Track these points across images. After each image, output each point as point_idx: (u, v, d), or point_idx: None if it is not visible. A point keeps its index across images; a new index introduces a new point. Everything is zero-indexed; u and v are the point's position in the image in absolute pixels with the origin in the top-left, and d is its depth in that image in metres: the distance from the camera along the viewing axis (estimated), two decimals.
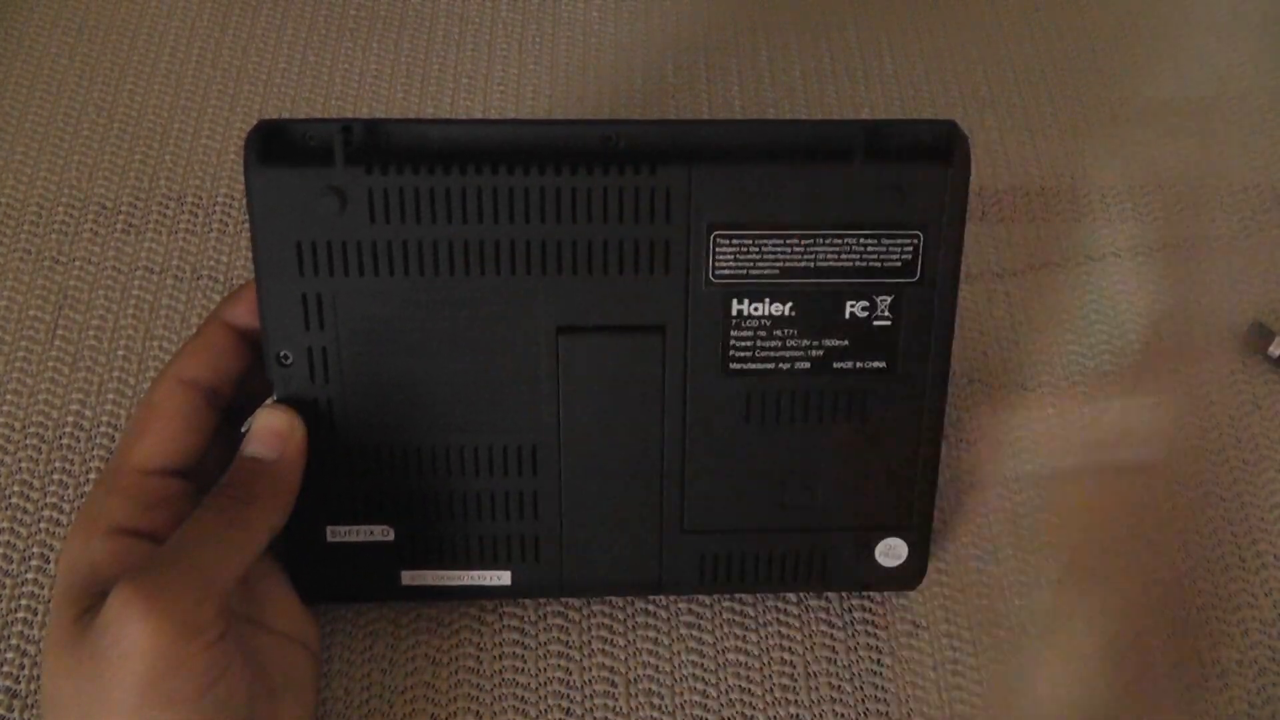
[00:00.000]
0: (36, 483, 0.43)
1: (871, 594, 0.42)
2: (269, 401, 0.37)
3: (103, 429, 0.45)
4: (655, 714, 0.39)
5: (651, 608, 0.41)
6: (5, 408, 0.45)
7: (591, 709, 0.39)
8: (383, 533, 0.39)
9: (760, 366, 0.37)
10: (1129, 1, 0.61)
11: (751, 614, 0.41)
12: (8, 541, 0.42)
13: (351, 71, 0.56)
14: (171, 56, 0.57)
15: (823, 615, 0.41)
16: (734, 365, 0.37)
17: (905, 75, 0.57)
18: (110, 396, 0.45)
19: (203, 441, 0.36)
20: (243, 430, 0.37)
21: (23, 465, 0.44)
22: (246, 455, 0.36)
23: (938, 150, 0.36)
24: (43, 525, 0.42)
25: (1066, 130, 0.55)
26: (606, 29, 0.59)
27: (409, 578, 0.39)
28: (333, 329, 0.36)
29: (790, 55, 0.58)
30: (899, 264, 0.36)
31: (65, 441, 0.44)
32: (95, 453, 0.44)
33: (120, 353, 0.47)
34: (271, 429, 0.36)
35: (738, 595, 0.41)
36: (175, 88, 0.55)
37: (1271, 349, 0.47)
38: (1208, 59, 0.58)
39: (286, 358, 0.36)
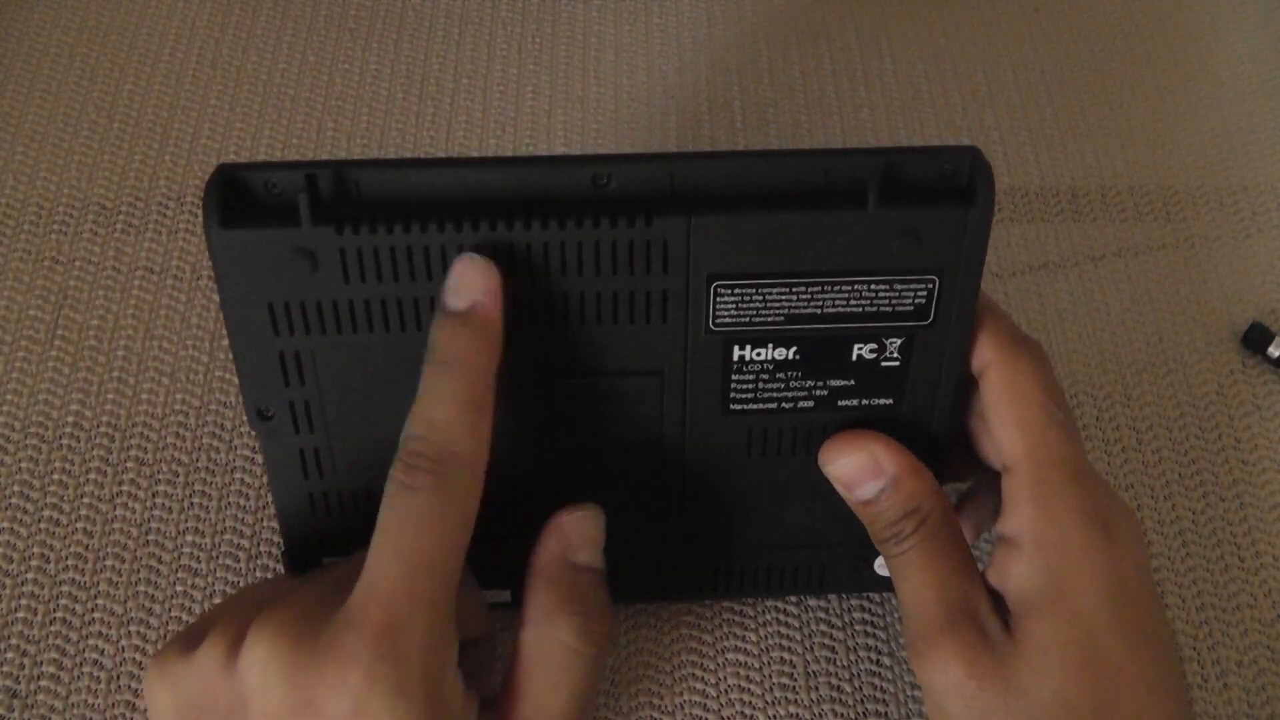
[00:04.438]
0: (36, 483, 0.43)
1: (871, 594, 0.42)
2: None
3: (102, 429, 0.45)
4: (654, 714, 0.39)
5: (651, 608, 0.41)
6: (5, 408, 0.45)
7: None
8: None
9: (762, 407, 0.36)
10: (1129, 1, 0.61)
11: (751, 614, 0.41)
12: (8, 541, 0.42)
13: (351, 71, 0.56)
14: (171, 56, 0.57)
15: (822, 615, 0.41)
16: (735, 406, 0.36)
17: (905, 75, 0.57)
18: (110, 396, 0.45)
19: None
20: None
21: (23, 465, 0.44)
22: (587, 566, 0.35)
23: (959, 185, 0.33)
24: (43, 525, 0.42)
25: (1066, 130, 0.55)
26: (606, 29, 0.59)
27: None
28: (314, 384, 0.34)
29: (790, 55, 0.58)
30: (911, 308, 0.34)
31: (65, 441, 0.44)
32: (95, 453, 0.44)
33: (120, 353, 0.47)
34: (601, 535, 0.35)
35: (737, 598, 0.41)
36: (175, 88, 0.55)
37: (1271, 349, 0.47)
38: (1208, 59, 0.58)
39: (268, 411, 0.35)
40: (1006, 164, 0.54)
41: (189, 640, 0.32)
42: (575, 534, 0.35)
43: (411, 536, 0.31)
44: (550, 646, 0.33)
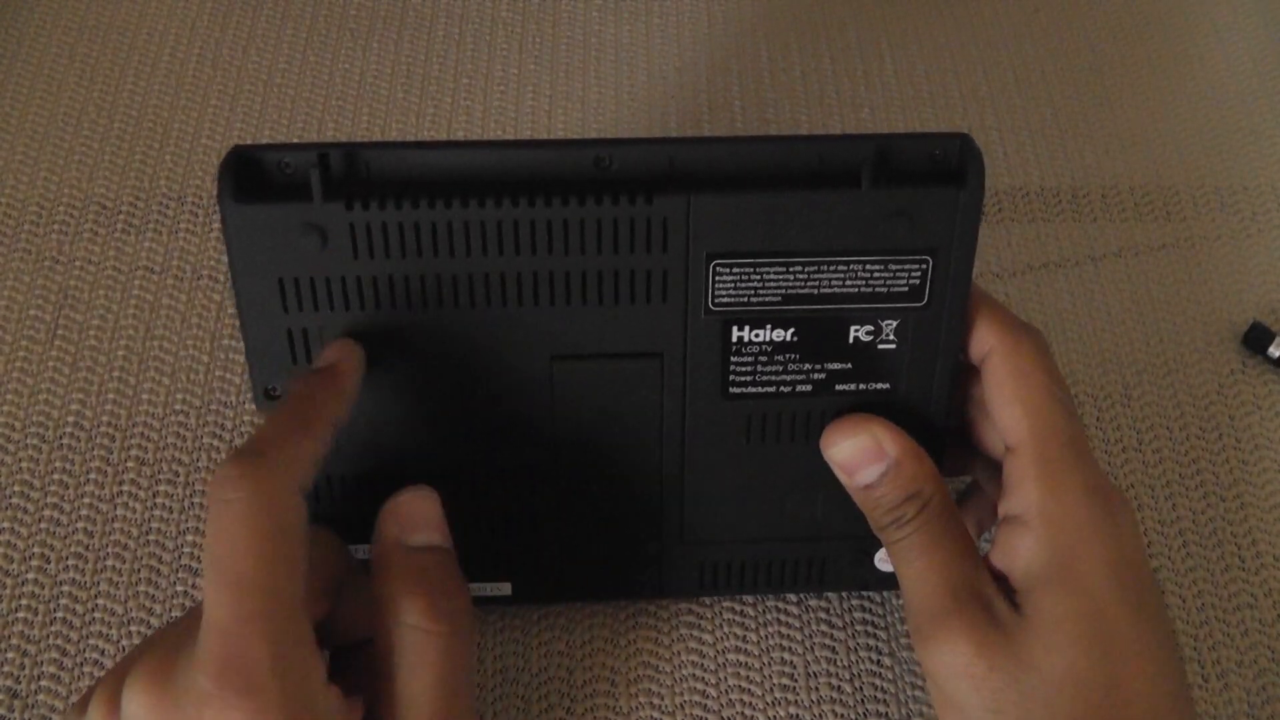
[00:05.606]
0: (37, 483, 0.43)
1: (871, 594, 0.42)
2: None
3: (103, 429, 0.45)
4: (655, 714, 0.39)
5: (651, 607, 0.41)
6: (5, 408, 0.45)
7: (592, 708, 0.39)
8: None
9: (761, 390, 0.36)
10: (1129, 1, 0.61)
11: (751, 614, 0.41)
12: (8, 541, 0.42)
13: (351, 71, 0.56)
14: (171, 56, 0.57)
15: (823, 615, 0.41)
16: (734, 389, 0.36)
17: (905, 75, 0.57)
18: (110, 396, 0.45)
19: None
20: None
21: (23, 465, 0.44)
22: (428, 546, 0.34)
23: (949, 169, 0.34)
24: (43, 525, 0.42)
25: (1066, 130, 0.55)
26: (606, 29, 0.59)
27: None
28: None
29: (790, 55, 0.58)
30: (906, 289, 0.35)
31: (65, 441, 0.44)
32: (95, 453, 0.44)
33: (120, 353, 0.47)
34: (438, 516, 0.34)
35: (737, 595, 0.41)
36: (175, 88, 0.55)
37: (1271, 349, 0.47)
38: (1208, 59, 0.58)
39: (275, 390, 0.35)
40: (1006, 164, 0.54)
41: (81, 706, 0.32)
42: (408, 515, 0.34)
43: (235, 559, 0.29)
44: (400, 632, 0.32)
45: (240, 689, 0.28)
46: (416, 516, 0.34)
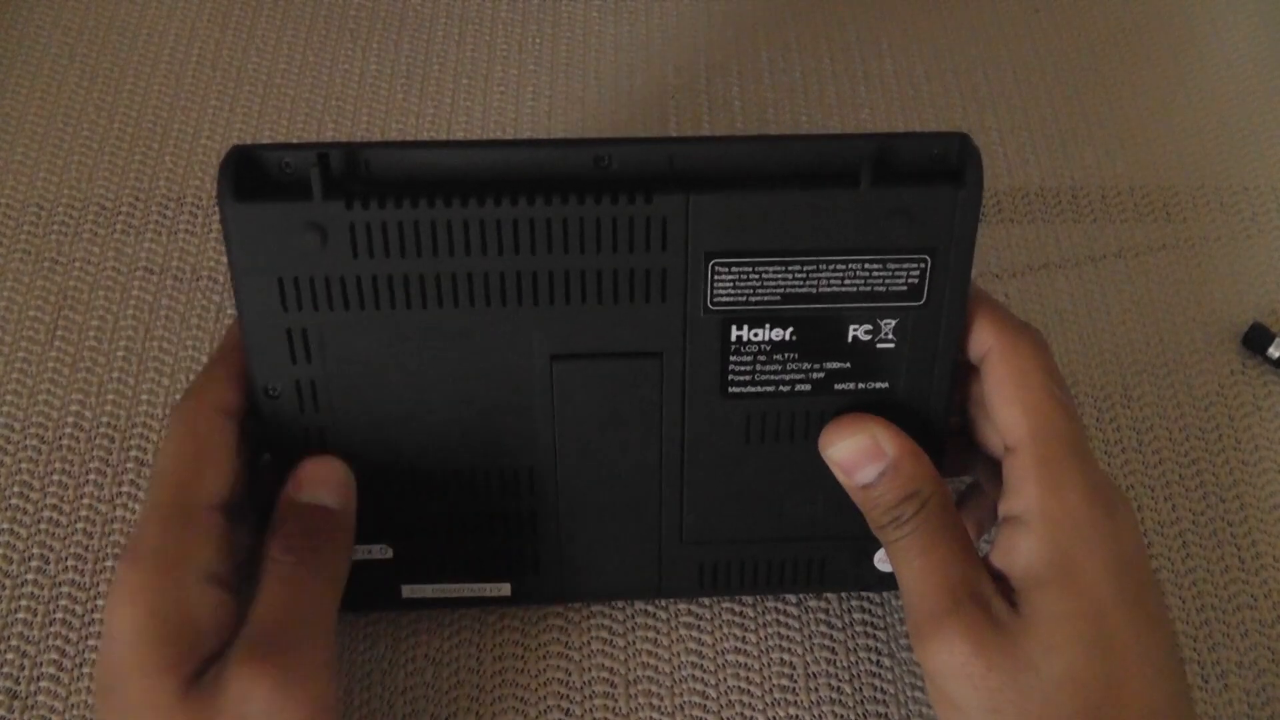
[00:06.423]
0: (36, 483, 0.43)
1: (871, 595, 0.42)
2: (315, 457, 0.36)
3: (103, 429, 0.45)
4: (654, 715, 0.39)
5: (651, 608, 0.41)
6: (5, 408, 0.45)
7: (591, 709, 0.39)
8: (380, 551, 0.38)
9: (760, 390, 0.36)
10: (1129, 1, 0.61)
11: (751, 614, 0.41)
12: (8, 542, 0.42)
13: (351, 71, 0.56)
14: (171, 56, 0.57)
15: (822, 616, 0.41)
16: (733, 389, 0.36)
17: (905, 75, 0.57)
18: (110, 397, 0.45)
19: (246, 475, 0.36)
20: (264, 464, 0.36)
21: (23, 465, 0.44)
22: (313, 503, 0.35)
23: (948, 168, 0.34)
24: (43, 525, 0.42)
25: (1066, 130, 0.55)
26: (606, 29, 0.59)
27: (409, 591, 0.39)
28: (320, 362, 0.35)
29: (790, 55, 0.58)
30: (905, 288, 0.35)
31: (65, 442, 0.44)
32: (95, 453, 0.44)
33: (120, 353, 0.47)
34: (334, 480, 0.36)
35: (737, 596, 0.41)
36: (175, 88, 0.55)
37: (1271, 349, 0.47)
38: (1208, 59, 0.58)
39: (274, 390, 0.35)
40: (1006, 164, 0.54)
41: None
42: (300, 475, 0.36)
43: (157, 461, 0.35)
44: (262, 567, 0.34)
45: (125, 560, 0.33)
46: (304, 476, 0.36)
